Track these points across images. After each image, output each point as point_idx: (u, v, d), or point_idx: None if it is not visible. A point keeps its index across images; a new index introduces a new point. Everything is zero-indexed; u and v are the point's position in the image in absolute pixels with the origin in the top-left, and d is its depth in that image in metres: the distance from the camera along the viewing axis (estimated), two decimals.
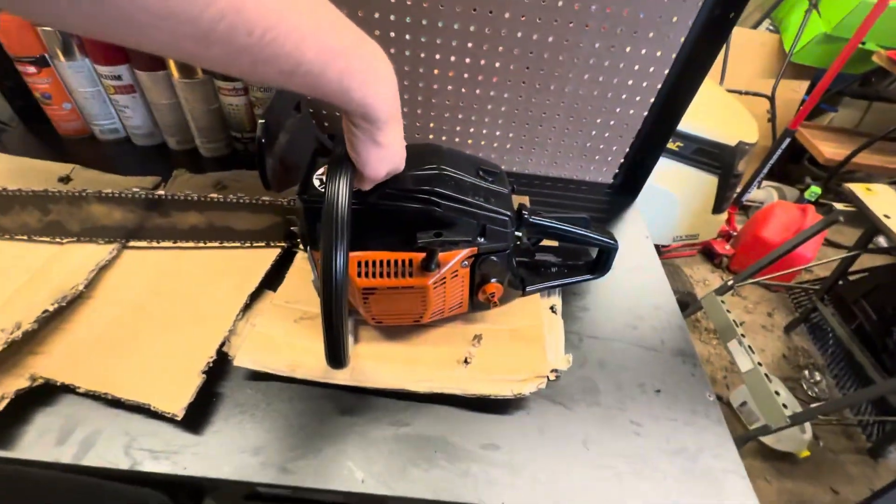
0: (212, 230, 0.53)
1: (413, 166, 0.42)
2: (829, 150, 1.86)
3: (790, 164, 2.28)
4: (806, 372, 1.54)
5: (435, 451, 0.42)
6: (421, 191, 0.40)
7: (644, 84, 0.65)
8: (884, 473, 1.31)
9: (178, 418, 0.39)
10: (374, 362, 0.46)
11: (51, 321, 0.46)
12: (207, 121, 0.67)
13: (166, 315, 0.48)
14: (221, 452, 0.40)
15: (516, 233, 0.45)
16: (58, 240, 0.54)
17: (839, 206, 1.14)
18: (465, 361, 0.46)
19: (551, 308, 0.54)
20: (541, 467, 0.42)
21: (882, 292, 1.32)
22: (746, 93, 1.85)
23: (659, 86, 0.65)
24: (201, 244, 0.55)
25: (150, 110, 0.68)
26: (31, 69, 0.63)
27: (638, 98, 0.67)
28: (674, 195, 1.24)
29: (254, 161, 0.71)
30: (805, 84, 2.08)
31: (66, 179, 0.63)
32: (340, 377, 0.45)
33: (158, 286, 0.51)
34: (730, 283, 1.33)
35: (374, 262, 0.41)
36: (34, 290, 0.48)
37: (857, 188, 1.13)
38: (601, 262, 0.53)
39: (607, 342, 0.54)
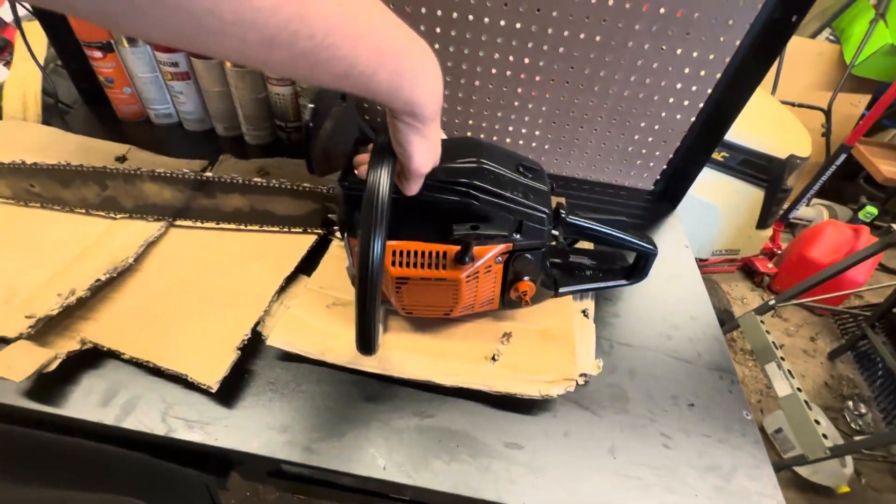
0: (253, 213, 0.55)
1: (452, 159, 0.42)
2: (889, 168, 1.75)
3: (844, 181, 2.16)
4: (850, 403, 1.45)
5: (457, 444, 0.42)
6: (459, 183, 0.40)
7: (693, 88, 0.63)
8: None
9: (213, 391, 0.41)
10: (402, 352, 0.47)
11: (101, 290, 0.48)
12: (254, 109, 0.70)
13: (206, 292, 0.50)
14: (251, 427, 0.41)
15: (553, 232, 0.44)
16: (112, 215, 0.57)
17: None
18: (493, 358, 0.46)
19: (583, 312, 0.53)
20: (564, 471, 0.41)
21: None
22: (800, 105, 1.76)
23: (709, 91, 0.63)
24: (242, 227, 0.57)
25: (202, 97, 0.71)
26: (98, 54, 0.67)
27: (686, 103, 0.65)
28: (715, 207, 1.19)
29: (296, 150, 0.73)
30: (866, 98, 1.96)
31: (122, 159, 0.66)
32: (368, 364, 0.45)
33: (201, 264, 0.53)
34: (771, 302, 1.27)
35: (408, 252, 0.41)
36: (89, 259, 0.51)
37: None
38: (638, 268, 0.52)
39: (639, 350, 0.52)
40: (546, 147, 0.73)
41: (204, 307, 0.48)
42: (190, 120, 0.74)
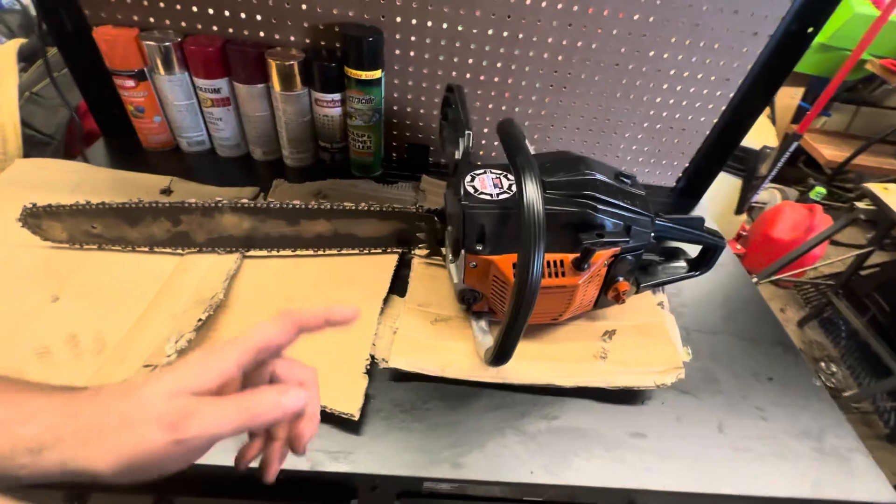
0: (335, 237, 0.55)
1: (562, 173, 0.45)
2: (829, 152, 1.97)
3: (786, 166, 2.39)
4: (822, 364, 1.61)
5: (589, 441, 0.44)
6: (579, 195, 0.43)
7: (718, 93, 0.70)
8: None
9: (356, 418, 0.41)
10: (515, 360, 0.48)
11: (202, 330, 0.46)
12: (299, 132, 0.69)
13: None
14: (392, 450, 0.42)
15: (651, 233, 0.48)
16: (179, 251, 0.54)
17: (860, 204, 1.21)
18: (603, 356, 0.49)
19: (659, 304, 0.57)
20: (687, 452, 0.45)
21: (892, 285, 1.40)
22: None
23: (731, 95, 0.70)
24: (320, 252, 0.56)
25: (241, 122, 0.70)
26: (130, 82, 0.63)
27: (710, 107, 0.71)
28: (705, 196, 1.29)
29: (340, 170, 0.73)
30: (800, 90, 2.19)
31: (167, 192, 0.63)
32: (488, 375, 0.47)
33: (290, 293, 0.52)
34: (754, 280, 1.39)
35: None
36: (172, 299, 0.49)
37: (875, 187, 1.20)
38: (707, 259, 0.56)
39: (713, 335, 0.57)
40: (581, 151, 0.77)
41: (311, 339, 0.47)
42: (225, 146, 0.72)
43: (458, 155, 0.39)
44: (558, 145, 0.76)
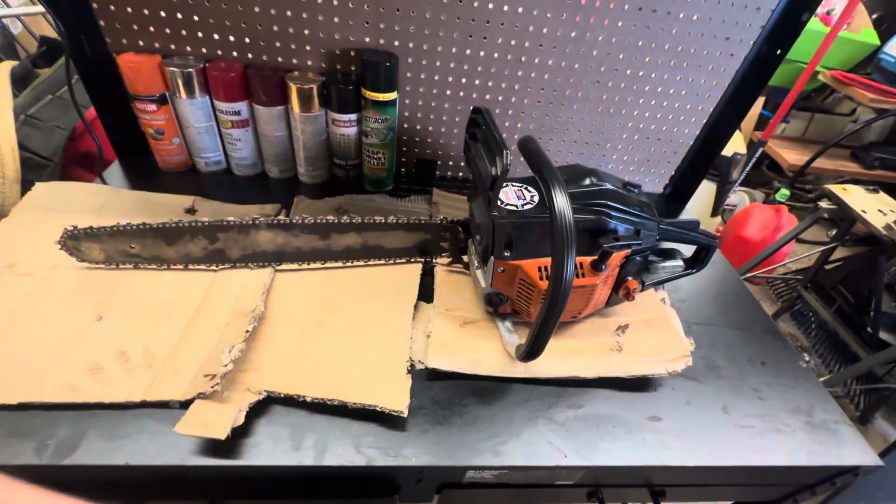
0: (364, 250, 0.58)
1: (577, 182, 0.50)
2: (791, 156, 2.11)
3: (752, 170, 2.55)
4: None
5: (613, 426, 0.49)
6: (595, 203, 0.48)
7: (699, 108, 0.77)
8: (873, 437, 1.48)
9: (405, 415, 0.44)
10: (541, 357, 0.53)
11: (248, 340, 0.49)
12: (316, 150, 0.72)
13: (346, 328, 0.52)
14: (437, 443, 0.45)
15: (657, 236, 0.53)
16: (213, 267, 0.57)
17: (823, 204, 1.32)
18: (619, 349, 0.54)
19: (662, 300, 0.62)
20: (699, 431, 0.50)
21: (856, 277, 1.52)
22: None
23: (711, 109, 0.77)
24: (349, 263, 0.59)
25: (258, 142, 0.72)
26: (152, 107, 0.66)
27: (693, 119, 0.78)
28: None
29: (355, 186, 0.76)
30: (761, 100, 2.35)
31: (191, 211, 0.65)
32: (516, 371, 0.51)
33: (325, 303, 0.55)
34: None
35: None
36: (214, 313, 0.51)
37: (835, 188, 1.31)
38: (701, 258, 0.62)
39: (710, 327, 0.63)
40: (579, 163, 0.84)
41: (353, 344, 0.51)
42: (242, 165, 0.74)
43: (495, 171, 0.43)
44: (557, 157, 0.82)
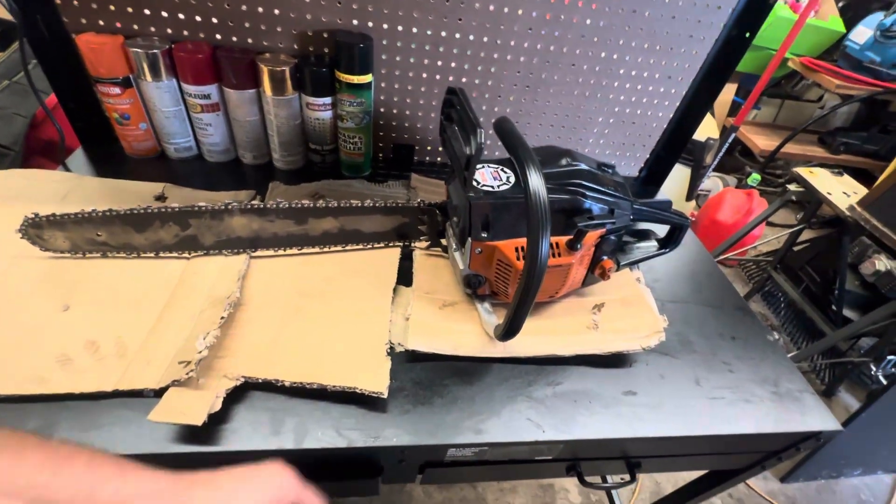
0: (341, 234, 0.58)
1: (552, 163, 0.50)
2: (762, 142, 2.17)
3: (724, 155, 2.61)
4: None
5: (589, 401, 0.50)
6: (570, 183, 0.48)
7: (672, 91, 0.78)
8: (837, 409, 1.56)
9: (385, 396, 0.44)
10: (519, 336, 0.53)
11: (222, 327, 0.48)
12: (290, 135, 0.70)
13: (324, 313, 0.52)
14: (419, 423, 0.45)
15: (630, 216, 0.54)
16: (185, 255, 0.55)
17: (791, 187, 1.36)
18: (595, 327, 0.55)
19: (637, 280, 0.64)
20: (672, 403, 0.52)
21: (822, 258, 1.58)
22: None
23: (684, 92, 0.78)
24: (326, 249, 0.59)
25: (230, 127, 0.70)
26: (115, 90, 0.63)
27: (666, 103, 0.80)
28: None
29: (331, 171, 0.75)
30: (734, 87, 2.40)
31: (162, 198, 0.63)
32: (496, 351, 0.51)
33: (303, 289, 0.54)
34: None
35: None
36: (188, 301, 0.50)
37: (802, 171, 1.36)
38: (673, 238, 0.64)
39: (683, 304, 0.65)
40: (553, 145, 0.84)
41: (332, 328, 0.50)
42: (214, 151, 0.72)
43: (470, 151, 0.43)
44: (535, 141, 0.82)
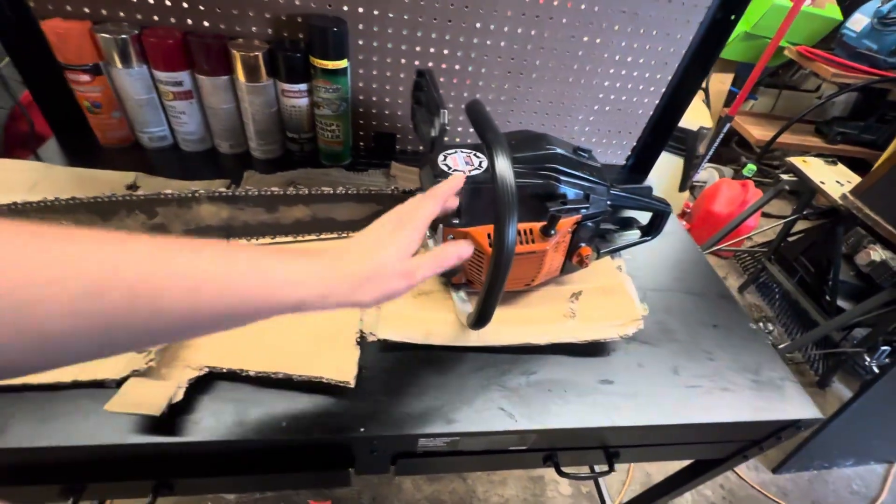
0: (314, 222, 0.56)
1: (526, 148, 0.49)
2: (758, 132, 2.15)
3: (721, 147, 2.59)
4: (760, 324, 1.77)
5: (564, 390, 0.49)
6: (543, 168, 0.47)
7: (658, 76, 0.76)
8: (831, 399, 1.55)
9: (352, 385, 0.43)
10: (494, 324, 0.52)
11: None
12: (266, 124, 0.69)
13: None
14: (388, 412, 0.44)
15: (608, 202, 0.53)
16: None
17: (785, 177, 1.35)
18: (571, 315, 0.54)
19: (618, 268, 0.63)
20: (649, 392, 0.51)
21: (816, 248, 1.57)
22: None
23: (669, 77, 0.77)
24: (300, 238, 0.58)
25: (205, 115, 0.69)
26: (84, 77, 0.62)
27: (651, 89, 0.78)
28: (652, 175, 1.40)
29: (310, 160, 0.74)
30: (730, 76, 2.37)
31: (133, 187, 0.62)
32: (470, 340, 0.50)
33: None
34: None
35: None
36: None
37: (796, 161, 1.34)
38: (655, 225, 0.63)
39: (666, 293, 0.64)
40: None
41: (301, 318, 0.49)
42: (189, 140, 0.71)
43: (434, 133, 0.42)
44: (518, 127, 0.80)
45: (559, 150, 0.49)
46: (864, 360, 1.47)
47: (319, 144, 0.73)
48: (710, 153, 1.94)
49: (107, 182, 0.62)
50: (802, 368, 1.64)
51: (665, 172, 1.47)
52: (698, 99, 1.58)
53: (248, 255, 0.28)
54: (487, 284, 0.41)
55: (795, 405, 0.52)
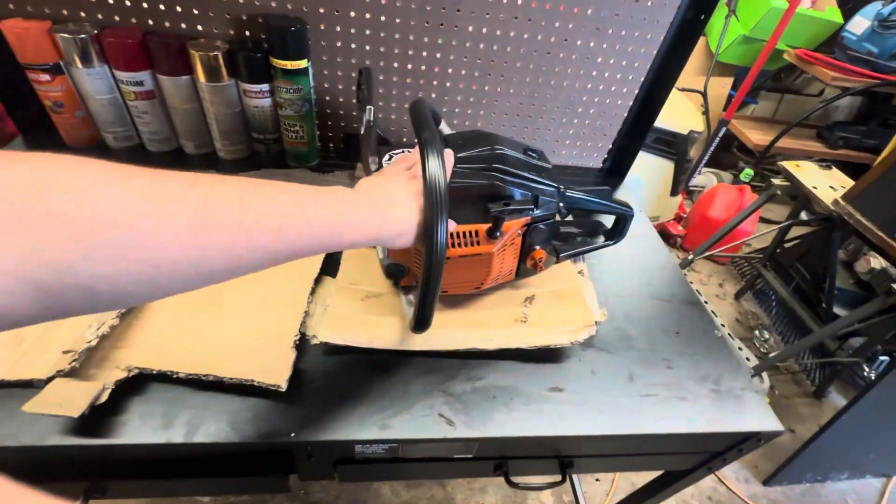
0: None
1: (472, 148, 0.48)
2: (756, 137, 2.11)
3: (721, 151, 2.55)
4: (756, 332, 1.74)
5: (510, 397, 0.48)
6: (486, 168, 0.46)
7: (630, 77, 0.75)
8: (827, 410, 1.51)
9: (283, 389, 0.42)
10: (442, 329, 0.51)
11: (125, 317, 0.46)
12: (230, 124, 0.69)
13: (240, 304, 0.50)
14: (322, 418, 0.43)
15: (559, 204, 0.52)
16: None
17: (777, 181, 1.32)
18: (523, 320, 0.53)
19: (580, 272, 0.61)
20: (600, 400, 0.49)
21: (812, 255, 1.53)
22: (684, 89, 2.06)
23: (642, 79, 0.75)
24: None
25: (169, 115, 0.69)
26: (45, 77, 0.62)
27: (624, 90, 0.77)
28: (640, 179, 1.37)
29: (276, 161, 0.73)
30: (729, 80, 2.34)
31: None
32: (416, 344, 0.49)
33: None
34: (690, 257, 1.49)
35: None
36: None
37: (789, 165, 1.31)
38: (618, 229, 0.61)
39: (629, 298, 0.62)
40: (511, 136, 0.81)
41: (243, 317, 0.49)
42: (155, 140, 0.71)
43: (361, 130, 0.41)
44: (489, 129, 0.79)
45: (506, 151, 0.48)
46: (862, 371, 1.43)
47: (285, 145, 0.73)
48: (706, 157, 1.91)
49: None
50: (798, 378, 1.60)
51: (655, 176, 1.45)
52: (689, 102, 1.55)
53: (316, 202, 0.32)
54: (422, 286, 0.40)
55: (755, 417, 0.50)
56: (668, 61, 0.73)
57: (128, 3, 0.61)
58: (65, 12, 0.61)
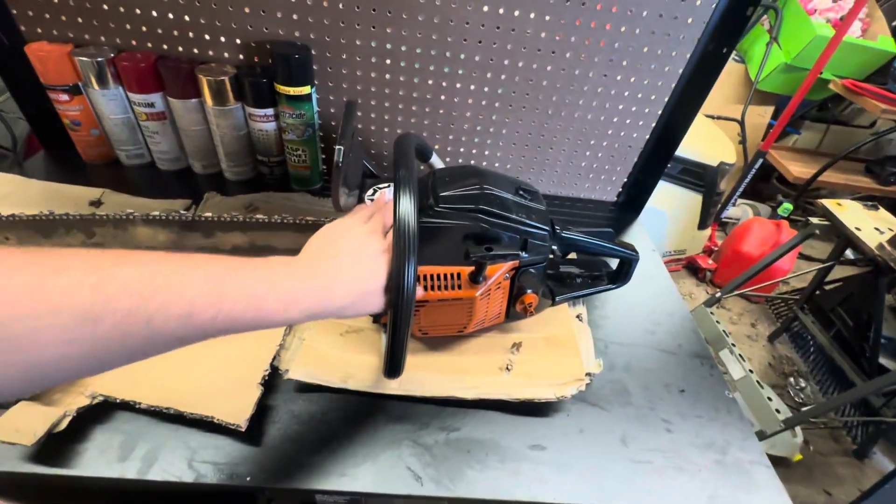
0: (252, 250, 0.55)
1: (458, 186, 0.46)
2: (797, 169, 2.00)
3: (760, 182, 2.42)
4: (791, 379, 1.61)
5: (486, 453, 0.44)
6: (469, 209, 0.44)
7: (646, 110, 0.71)
8: (870, 473, 1.37)
9: (243, 429, 0.41)
10: (421, 372, 0.48)
11: None
12: (236, 146, 0.70)
13: None
14: (282, 462, 0.41)
15: (552, 247, 0.49)
16: None
17: (815, 220, 1.23)
18: (507, 368, 0.49)
19: (577, 317, 0.57)
20: (585, 464, 0.45)
21: (856, 300, 1.41)
22: (719, 117, 1.98)
23: (659, 112, 0.72)
24: None
25: (178, 136, 0.71)
26: (64, 97, 0.65)
27: (640, 123, 0.73)
28: (664, 213, 1.31)
29: (279, 184, 0.74)
30: (770, 109, 2.23)
31: (97, 203, 0.64)
32: (390, 387, 0.47)
33: None
34: (717, 295, 1.40)
35: (425, 276, 0.44)
36: None
37: (829, 203, 1.22)
38: (622, 273, 0.57)
39: (630, 347, 0.58)
40: (520, 167, 0.79)
41: (214, 349, 0.47)
42: (165, 160, 0.72)
43: (337, 163, 0.40)
44: (495, 160, 0.78)
45: (495, 191, 0.45)
46: None
47: (288, 168, 0.73)
48: (741, 189, 1.81)
49: (73, 197, 0.64)
50: (837, 434, 1.46)
51: (682, 209, 1.38)
52: (722, 131, 1.48)
53: (240, 279, 0.29)
54: (389, 333, 0.38)
55: (763, 496, 0.45)
56: (688, 94, 0.69)
57: (144, 29, 0.63)
58: (87, 36, 0.64)
